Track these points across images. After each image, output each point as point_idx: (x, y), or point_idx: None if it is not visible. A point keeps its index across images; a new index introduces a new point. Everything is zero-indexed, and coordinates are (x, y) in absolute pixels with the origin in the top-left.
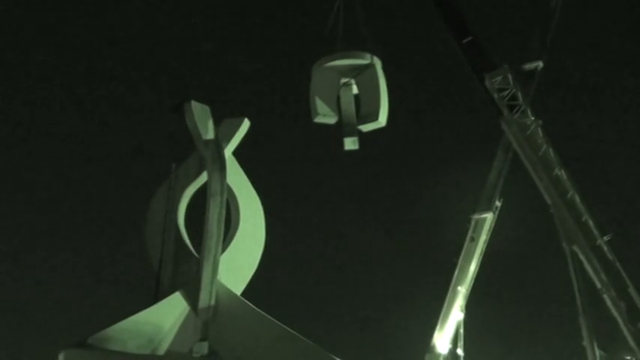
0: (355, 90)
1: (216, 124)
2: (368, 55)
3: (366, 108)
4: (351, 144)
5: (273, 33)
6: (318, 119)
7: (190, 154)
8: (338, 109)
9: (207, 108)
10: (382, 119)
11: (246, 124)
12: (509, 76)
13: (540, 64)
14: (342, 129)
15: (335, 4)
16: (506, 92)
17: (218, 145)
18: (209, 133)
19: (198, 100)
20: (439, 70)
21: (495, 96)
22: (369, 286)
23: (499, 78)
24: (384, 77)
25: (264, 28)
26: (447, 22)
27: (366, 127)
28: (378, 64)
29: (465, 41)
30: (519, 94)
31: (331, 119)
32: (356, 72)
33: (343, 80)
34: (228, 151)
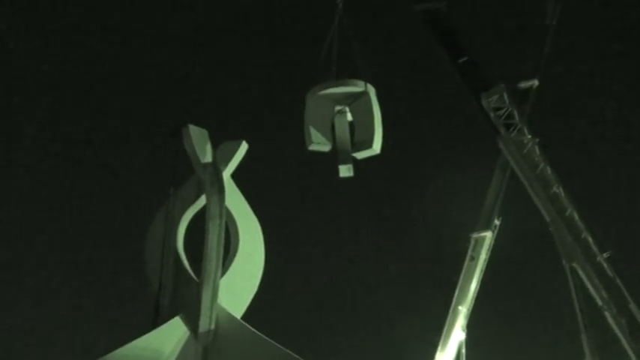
0: (350, 117)
1: (214, 147)
2: (362, 83)
3: (360, 135)
4: (345, 171)
5: (269, 58)
6: (313, 147)
7: (189, 177)
8: (332, 136)
9: (205, 132)
10: (376, 147)
11: (244, 147)
12: (505, 95)
13: (536, 82)
14: (336, 156)
15: (329, 32)
16: (503, 111)
17: (216, 168)
18: (207, 157)
19: (196, 124)
20: (436, 94)
21: (492, 115)
22: (370, 306)
23: (495, 97)
24: (378, 105)
25: (260, 53)
26: (442, 43)
27: (361, 155)
28: (372, 91)
29: (460, 61)
30: (515, 113)
31: (325, 147)
32: (350, 100)
33: (337, 108)
34: (227, 174)
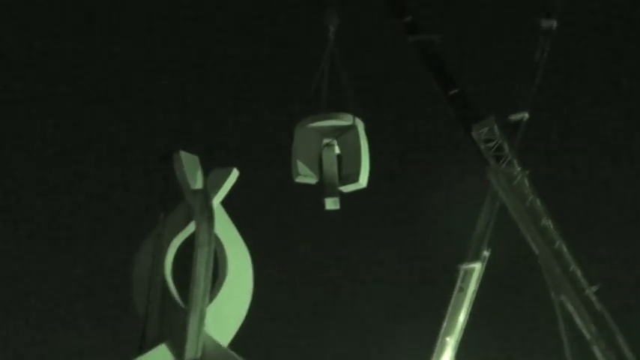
0: (338, 150)
1: (205, 174)
2: (350, 117)
3: (347, 169)
4: (331, 204)
5: (259, 87)
6: (299, 179)
7: (178, 204)
8: (320, 169)
9: (196, 158)
10: (363, 181)
11: (234, 174)
12: (495, 127)
13: (526, 115)
14: (323, 189)
15: (320, 66)
16: (493, 143)
17: (206, 194)
18: (198, 183)
19: (188, 150)
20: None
21: (482, 147)
22: (357, 337)
23: (485, 129)
24: (366, 139)
25: (251, 84)
26: (434, 74)
27: (347, 188)
28: (360, 125)
29: (451, 93)
30: (505, 145)
31: (312, 179)
32: (338, 133)
33: (325, 141)
34: (217, 200)
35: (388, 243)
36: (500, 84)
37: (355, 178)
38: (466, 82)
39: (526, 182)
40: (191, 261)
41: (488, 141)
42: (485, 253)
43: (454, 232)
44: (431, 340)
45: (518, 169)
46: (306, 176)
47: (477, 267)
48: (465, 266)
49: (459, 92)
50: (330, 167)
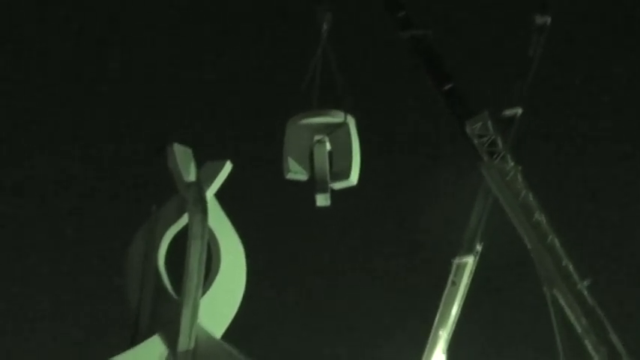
0: (329, 147)
1: (198, 166)
2: (342, 114)
3: (337, 166)
4: (322, 200)
5: (255, 79)
6: (290, 176)
7: (172, 196)
8: (311, 165)
9: (189, 150)
10: (353, 178)
11: (228, 167)
12: (489, 123)
13: (520, 110)
14: (314, 185)
15: (311, 62)
16: (486, 138)
17: (200, 187)
18: (191, 175)
19: (181, 143)
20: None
21: (475, 142)
22: (352, 327)
23: (479, 124)
24: (357, 136)
25: (247, 75)
26: (427, 70)
27: (337, 185)
28: (351, 122)
29: (445, 88)
30: (499, 140)
31: (303, 176)
32: (330, 130)
33: (317, 137)
34: (210, 193)
35: (382, 240)
36: (495, 79)
37: (346, 175)
38: (460, 78)
39: (519, 177)
40: (184, 253)
41: (481, 136)
42: (478, 247)
43: (449, 228)
44: (423, 335)
45: (512, 164)
46: (296, 173)
47: (470, 261)
48: (457, 260)
49: (453, 88)
50: (321, 164)
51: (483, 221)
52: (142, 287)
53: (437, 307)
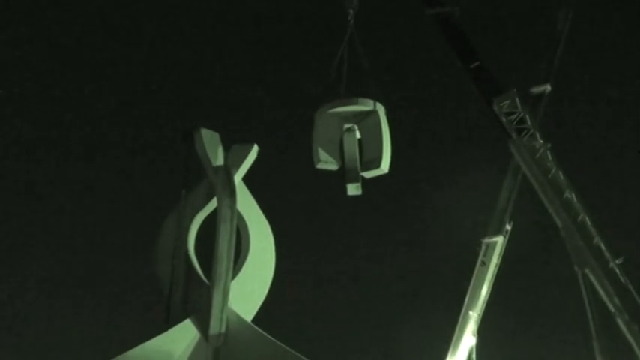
0: (359, 136)
1: (226, 150)
2: (371, 102)
3: (368, 155)
4: (353, 190)
5: (283, 65)
6: (320, 165)
7: (200, 180)
8: (341, 155)
9: (216, 135)
10: (384, 166)
11: (255, 151)
12: (517, 100)
13: (548, 87)
14: (344, 175)
15: (340, 49)
16: (515, 116)
17: (228, 171)
18: (219, 160)
19: (208, 127)
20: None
21: (504, 120)
22: (378, 304)
23: (507, 102)
24: (387, 123)
25: (274, 62)
26: (454, 47)
27: (369, 174)
28: (381, 110)
29: (472, 66)
30: (528, 118)
31: (333, 166)
32: (359, 118)
33: (346, 126)
34: (238, 177)
35: (392, 233)
36: (523, 56)
37: (377, 164)
38: (487, 55)
39: (548, 155)
40: (214, 237)
41: (509, 114)
42: (507, 227)
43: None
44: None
45: (541, 142)
46: (327, 162)
47: (499, 240)
48: (486, 240)
49: (480, 65)
50: (352, 153)
51: (512, 200)
52: (173, 272)
53: (466, 287)
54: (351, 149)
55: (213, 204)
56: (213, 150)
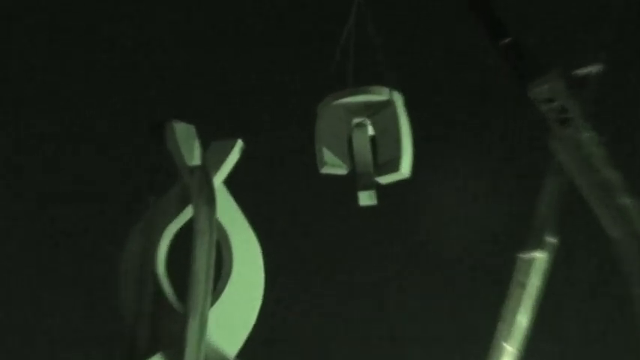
0: (371, 132)
1: (204, 147)
2: (386, 90)
3: (384, 155)
4: (366, 199)
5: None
6: (326, 169)
7: (172, 184)
8: (350, 156)
9: (192, 128)
10: (404, 169)
11: (239, 148)
12: (560, 84)
13: (599, 67)
14: (355, 180)
15: (345, 27)
16: (557, 103)
17: (206, 172)
18: (195, 159)
19: (182, 119)
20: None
21: (543, 108)
22: (385, 337)
23: (547, 86)
24: (406, 116)
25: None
26: (481, 21)
27: (385, 179)
28: (398, 100)
29: (503, 42)
30: (573, 105)
31: (342, 169)
32: (371, 110)
33: (356, 121)
34: (219, 179)
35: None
36: (566, 31)
37: (395, 167)
38: (521, 29)
39: (599, 151)
40: (189, 253)
41: (550, 101)
42: (551, 240)
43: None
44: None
45: (588, 134)
46: (334, 166)
47: (541, 257)
48: (525, 256)
49: (513, 41)
50: (363, 153)
51: (556, 207)
52: (140, 297)
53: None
54: (363, 149)
55: (187, 213)
56: (189, 146)
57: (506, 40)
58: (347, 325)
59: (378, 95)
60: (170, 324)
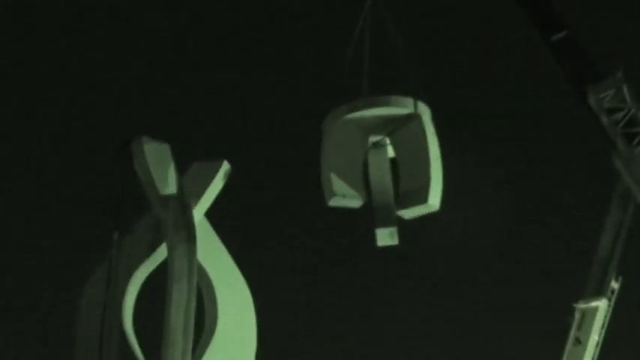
0: (391, 153)
1: (181, 170)
2: (410, 102)
3: (407, 183)
4: (386, 238)
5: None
6: (335, 202)
7: (141, 216)
8: (366, 183)
9: (166, 147)
10: (433, 200)
11: (224, 171)
12: (625, 89)
13: None
14: (372, 214)
15: (358, 25)
16: (622, 114)
17: (183, 204)
18: (170, 186)
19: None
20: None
21: (604, 120)
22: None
23: (610, 92)
24: (434, 133)
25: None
26: (532, 14)
27: (409, 213)
28: (425, 113)
29: (556, 37)
30: None
31: (355, 201)
32: (392, 127)
33: (372, 139)
34: (200, 212)
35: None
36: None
37: (423, 198)
38: (579, 24)
39: None
40: (163, 304)
41: (613, 111)
42: (614, 285)
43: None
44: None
45: None
46: (345, 196)
47: (602, 306)
48: (582, 305)
49: (568, 36)
50: (382, 180)
51: (622, 243)
52: (101, 357)
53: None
54: (381, 175)
55: (161, 253)
56: (162, 170)
57: (560, 35)
58: None
59: (400, 107)
60: None
